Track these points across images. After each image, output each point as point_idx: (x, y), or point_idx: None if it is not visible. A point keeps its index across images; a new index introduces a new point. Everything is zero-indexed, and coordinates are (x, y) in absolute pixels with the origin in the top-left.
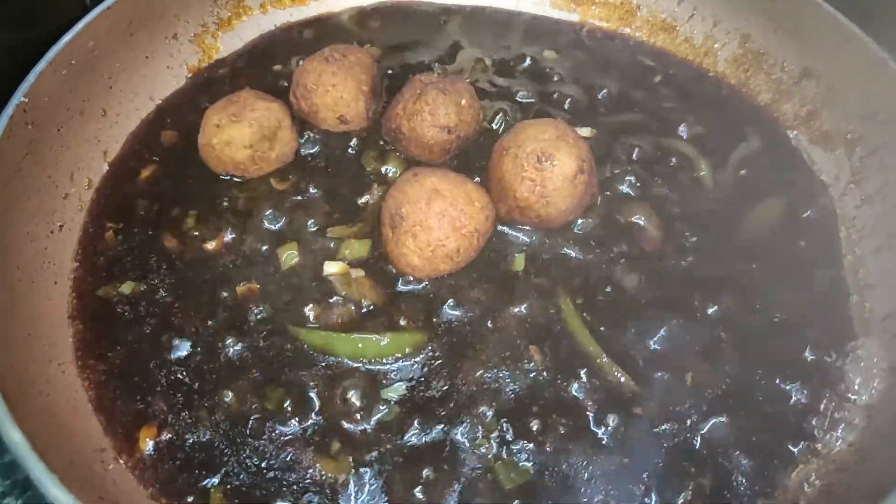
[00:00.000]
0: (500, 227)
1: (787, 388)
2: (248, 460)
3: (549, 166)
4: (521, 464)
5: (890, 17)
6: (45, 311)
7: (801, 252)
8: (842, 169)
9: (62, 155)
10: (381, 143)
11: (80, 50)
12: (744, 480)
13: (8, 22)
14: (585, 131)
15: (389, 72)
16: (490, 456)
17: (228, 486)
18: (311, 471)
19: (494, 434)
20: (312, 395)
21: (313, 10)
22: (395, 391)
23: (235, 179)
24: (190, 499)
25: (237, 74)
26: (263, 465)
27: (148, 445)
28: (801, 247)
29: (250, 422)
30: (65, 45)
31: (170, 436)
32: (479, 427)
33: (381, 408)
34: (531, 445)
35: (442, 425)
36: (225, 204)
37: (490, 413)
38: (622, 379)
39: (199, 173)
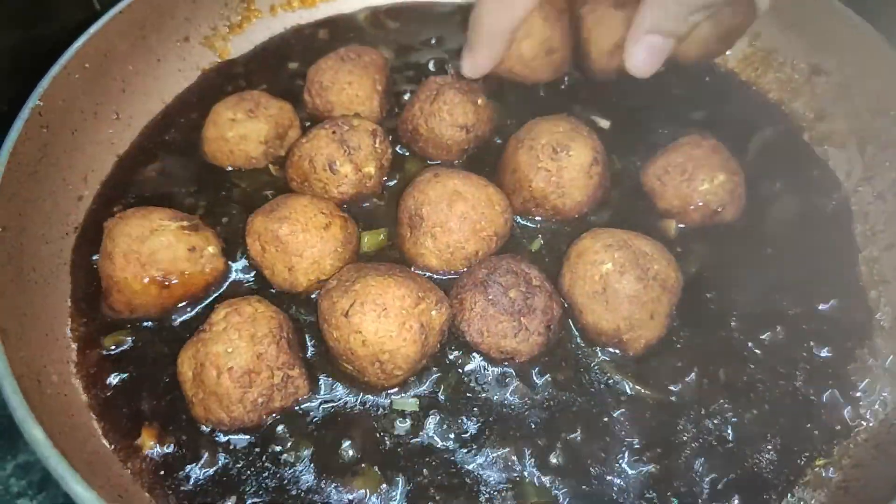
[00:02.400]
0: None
1: (804, 384)
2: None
3: (565, 157)
4: (549, 486)
5: None
6: (62, 313)
7: (818, 248)
8: (853, 165)
9: (76, 157)
10: (398, 146)
11: (93, 53)
12: (760, 479)
13: (12, 21)
14: (605, 123)
15: (407, 73)
16: (517, 471)
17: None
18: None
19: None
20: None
21: (322, 12)
22: (409, 405)
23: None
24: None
25: (251, 75)
26: (283, 483)
27: (159, 449)
28: (818, 242)
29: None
30: (78, 48)
31: (183, 442)
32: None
33: (400, 422)
34: (560, 458)
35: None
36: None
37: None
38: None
39: (203, 169)
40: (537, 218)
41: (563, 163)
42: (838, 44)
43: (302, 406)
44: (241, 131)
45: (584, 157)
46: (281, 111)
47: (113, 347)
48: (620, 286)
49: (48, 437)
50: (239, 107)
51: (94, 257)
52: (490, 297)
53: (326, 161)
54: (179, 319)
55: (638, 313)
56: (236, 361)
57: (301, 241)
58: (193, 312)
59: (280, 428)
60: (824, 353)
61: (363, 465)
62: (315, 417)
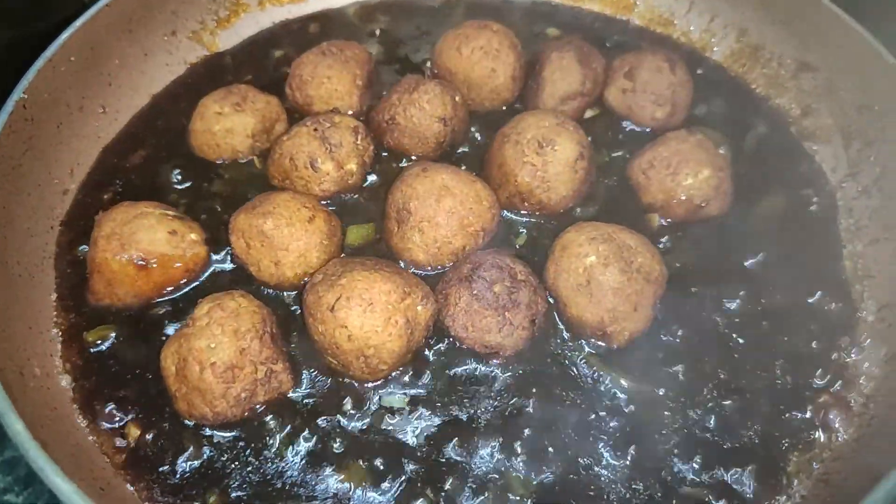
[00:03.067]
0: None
1: (787, 377)
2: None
3: (551, 151)
4: (537, 477)
5: (885, 10)
6: (46, 306)
7: (803, 242)
8: (839, 161)
9: (61, 151)
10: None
11: (78, 47)
12: (744, 469)
13: (5, 18)
14: (588, 111)
15: (395, 66)
16: (505, 463)
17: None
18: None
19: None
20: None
21: (311, 6)
22: (398, 401)
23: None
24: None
25: (239, 68)
26: (267, 477)
27: (143, 442)
28: (803, 237)
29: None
30: (64, 41)
31: (167, 435)
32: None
33: (388, 417)
34: (547, 450)
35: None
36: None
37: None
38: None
39: (189, 162)
40: (523, 212)
41: (548, 157)
42: (825, 40)
43: (286, 400)
44: (228, 125)
45: (569, 152)
46: (268, 105)
47: (97, 341)
48: (604, 278)
49: (29, 430)
50: (226, 100)
51: (82, 248)
52: (475, 292)
53: (308, 159)
54: (163, 312)
55: (622, 305)
56: (219, 356)
57: (286, 234)
58: (177, 307)
59: (264, 422)
60: (808, 346)
61: (348, 459)
62: (299, 411)
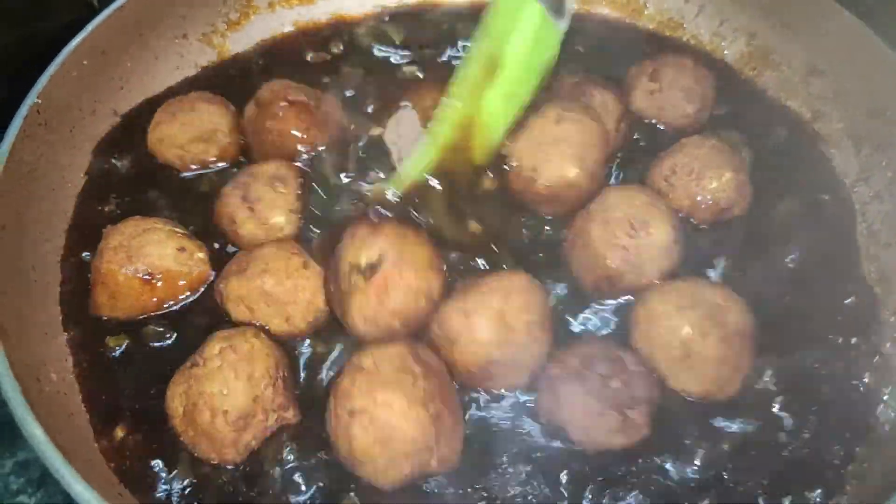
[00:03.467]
0: None
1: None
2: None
3: (644, 235)
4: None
5: (893, 13)
6: (61, 311)
7: (821, 246)
8: (850, 165)
9: (75, 155)
10: None
11: (90, 51)
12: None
13: (6, 18)
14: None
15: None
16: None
17: None
18: None
19: None
20: None
21: (321, 8)
22: None
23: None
24: None
25: (247, 71)
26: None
27: (143, 460)
28: (821, 240)
29: None
30: (75, 46)
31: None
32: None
33: None
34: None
35: None
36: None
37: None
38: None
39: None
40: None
41: (641, 241)
42: (833, 44)
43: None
44: (158, 134)
45: (664, 235)
46: (207, 114)
47: (114, 348)
48: (705, 351)
49: (47, 436)
50: (167, 110)
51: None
52: (589, 390)
53: (229, 220)
54: (160, 327)
55: (726, 372)
56: (232, 404)
57: (290, 287)
58: (175, 322)
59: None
60: (827, 353)
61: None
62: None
